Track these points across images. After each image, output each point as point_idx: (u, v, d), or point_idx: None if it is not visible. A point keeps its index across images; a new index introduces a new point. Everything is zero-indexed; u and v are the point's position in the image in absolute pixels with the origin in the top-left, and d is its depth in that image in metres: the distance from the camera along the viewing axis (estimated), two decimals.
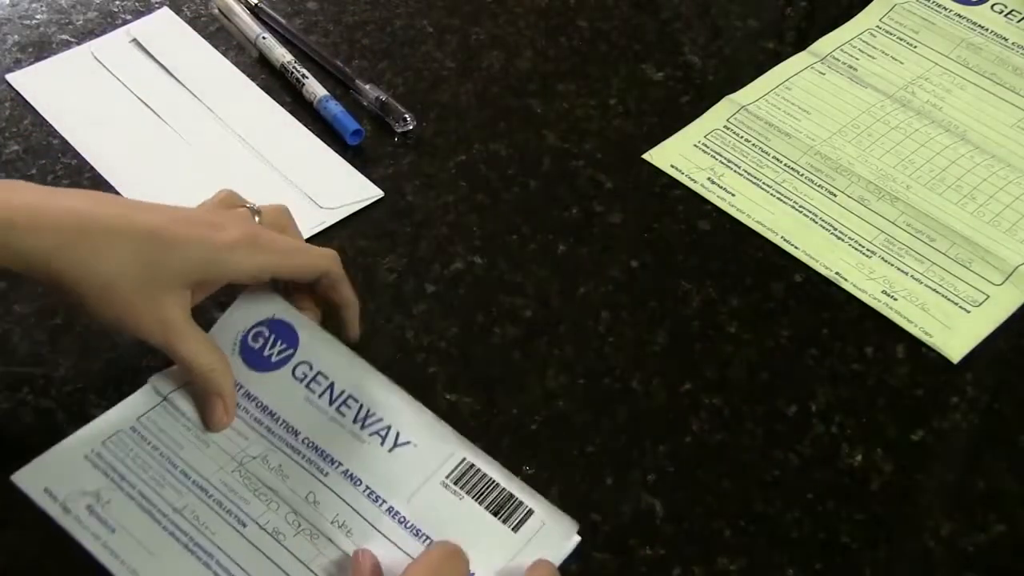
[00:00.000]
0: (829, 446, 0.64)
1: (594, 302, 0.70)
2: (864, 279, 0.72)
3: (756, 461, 0.63)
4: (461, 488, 0.56)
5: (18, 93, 0.82)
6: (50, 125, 0.79)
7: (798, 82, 0.85)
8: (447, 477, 0.56)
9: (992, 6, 0.92)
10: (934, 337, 0.69)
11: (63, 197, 0.58)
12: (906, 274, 0.72)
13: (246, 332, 0.62)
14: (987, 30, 0.90)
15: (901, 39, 0.89)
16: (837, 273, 0.72)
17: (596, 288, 0.71)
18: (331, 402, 0.59)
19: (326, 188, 0.76)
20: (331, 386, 0.59)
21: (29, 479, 0.57)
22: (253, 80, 0.84)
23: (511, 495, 0.55)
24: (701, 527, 0.60)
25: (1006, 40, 0.89)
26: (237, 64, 0.85)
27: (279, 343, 0.61)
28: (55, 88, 0.82)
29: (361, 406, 0.58)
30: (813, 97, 0.84)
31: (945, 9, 0.92)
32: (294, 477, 0.57)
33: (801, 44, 0.89)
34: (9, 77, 0.82)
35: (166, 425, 0.60)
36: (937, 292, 0.71)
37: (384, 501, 0.56)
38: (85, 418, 0.63)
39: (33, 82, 0.83)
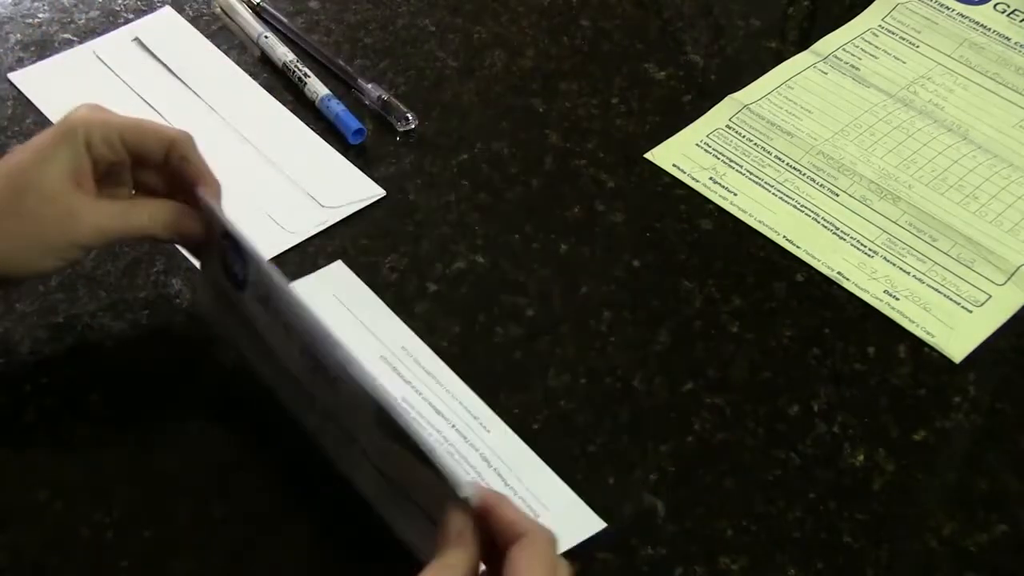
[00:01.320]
0: (831, 446, 0.64)
1: (596, 301, 0.70)
2: (866, 279, 0.72)
3: (758, 461, 0.63)
4: None
5: (20, 92, 0.82)
6: (52, 124, 0.79)
7: (800, 81, 0.85)
8: None
9: (995, 5, 0.92)
10: (936, 337, 0.69)
11: None
12: (908, 274, 0.72)
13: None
14: (989, 30, 0.90)
15: (903, 38, 0.89)
16: (839, 273, 0.72)
17: (598, 287, 0.71)
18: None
19: (328, 187, 0.76)
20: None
21: None
22: (255, 79, 0.84)
23: None
24: (703, 527, 0.60)
25: (1008, 40, 0.89)
26: (239, 63, 0.85)
27: (238, 262, 0.61)
28: (57, 87, 0.82)
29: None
30: (815, 96, 0.84)
31: (947, 8, 0.92)
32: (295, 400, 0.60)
33: (803, 43, 0.89)
34: (11, 76, 0.82)
35: None
36: (939, 292, 0.71)
37: None
38: (87, 415, 0.63)
39: (35, 81, 0.83)
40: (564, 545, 0.55)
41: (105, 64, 0.84)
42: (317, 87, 0.81)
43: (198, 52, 0.86)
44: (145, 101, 0.81)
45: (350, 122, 0.79)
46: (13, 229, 0.59)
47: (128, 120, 0.62)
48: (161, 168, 0.63)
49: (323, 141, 0.79)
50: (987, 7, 0.92)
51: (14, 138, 0.78)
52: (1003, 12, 0.91)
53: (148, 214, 0.62)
